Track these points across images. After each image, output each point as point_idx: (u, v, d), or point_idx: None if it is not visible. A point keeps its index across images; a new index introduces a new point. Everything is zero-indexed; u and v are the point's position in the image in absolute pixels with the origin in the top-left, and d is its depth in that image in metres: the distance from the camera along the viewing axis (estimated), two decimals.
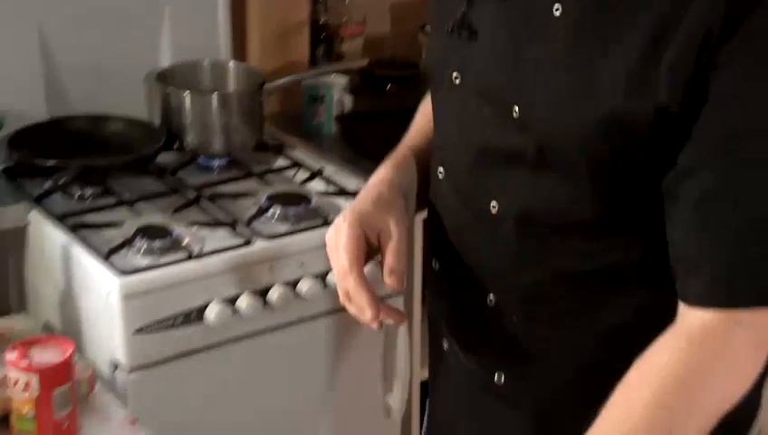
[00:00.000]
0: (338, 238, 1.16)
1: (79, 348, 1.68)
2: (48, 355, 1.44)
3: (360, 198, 1.22)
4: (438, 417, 1.36)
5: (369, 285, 1.13)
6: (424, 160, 1.28)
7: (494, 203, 1.15)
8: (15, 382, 1.42)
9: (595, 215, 1.08)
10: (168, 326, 1.71)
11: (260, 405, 1.86)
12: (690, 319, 1.02)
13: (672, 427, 0.99)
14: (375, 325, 1.14)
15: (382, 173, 1.25)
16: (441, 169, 1.23)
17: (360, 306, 1.13)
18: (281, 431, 1.91)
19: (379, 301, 1.13)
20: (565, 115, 1.05)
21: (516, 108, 1.09)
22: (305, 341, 1.87)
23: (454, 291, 1.25)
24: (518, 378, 1.21)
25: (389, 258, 1.14)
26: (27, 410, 1.43)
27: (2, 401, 1.48)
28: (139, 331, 1.68)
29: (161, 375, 1.74)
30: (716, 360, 1.00)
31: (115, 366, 1.71)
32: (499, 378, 1.21)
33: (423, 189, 1.28)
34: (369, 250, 1.17)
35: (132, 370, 1.71)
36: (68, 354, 1.45)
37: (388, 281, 1.14)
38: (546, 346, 1.17)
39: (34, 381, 1.41)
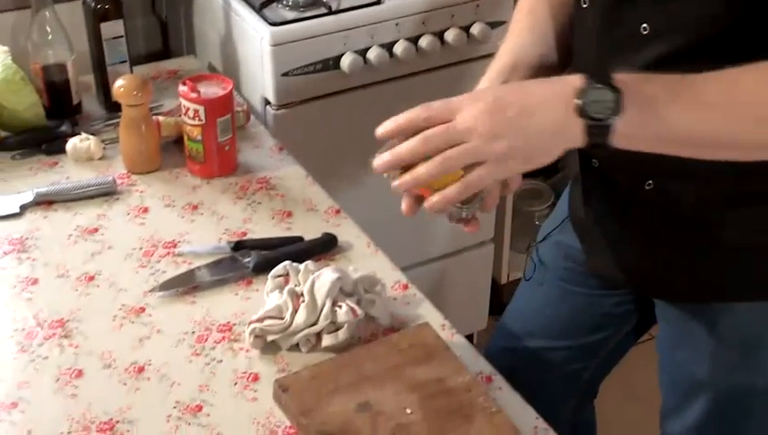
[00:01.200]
0: None
1: (236, 86, 1.87)
2: (212, 90, 1.61)
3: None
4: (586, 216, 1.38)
5: None
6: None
7: (644, 25, 1.13)
8: (186, 111, 1.60)
9: (740, 31, 1.06)
10: (309, 71, 1.87)
11: (374, 141, 2.04)
12: None
13: None
14: None
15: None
16: None
17: None
18: None
19: None
20: None
21: None
22: (425, 89, 1.96)
23: None
24: (666, 182, 1.20)
25: None
26: (196, 133, 1.61)
27: (177, 126, 1.69)
28: (285, 74, 1.86)
29: (303, 113, 1.92)
30: None
31: (266, 103, 1.90)
32: (648, 186, 1.22)
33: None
34: None
35: (279, 107, 1.89)
36: (228, 90, 1.61)
37: None
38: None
39: (201, 110, 1.59)
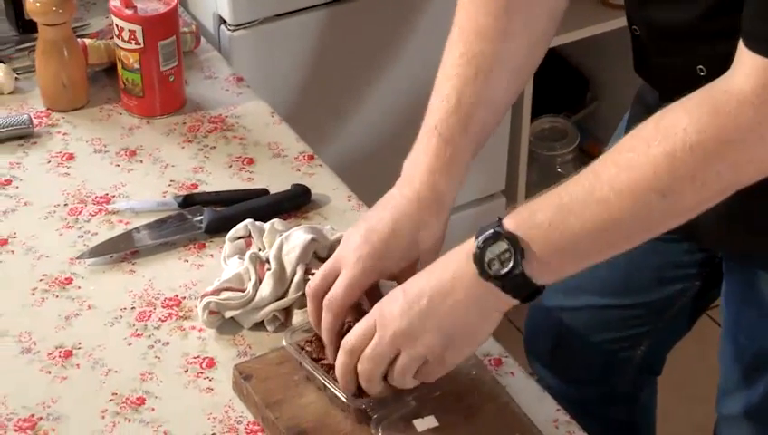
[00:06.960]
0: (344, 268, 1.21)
1: (183, 2, 1.88)
2: (152, 5, 1.61)
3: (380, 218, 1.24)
4: None
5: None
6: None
7: None
8: (120, 32, 1.60)
9: None
10: None
11: (356, 65, 2.06)
12: (739, 68, 1.06)
13: (675, 187, 1.08)
14: None
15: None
16: None
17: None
18: (370, 92, 2.12)
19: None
20: None
21: None
22: (407, 3, 2.05)
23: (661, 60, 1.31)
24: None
25: None
26: (132, 61, 1.62)
27: (108, 51, 1.70)
28: None
29: (267, 34, 1.93)
30: (749, 128, 1.04)
31: (221, 22, 1.91)
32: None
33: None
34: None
35: (237, 27, 1.90)
36: (172, 5, 1.61)
37: None
38: None
39: (139, 31, 1.59)
